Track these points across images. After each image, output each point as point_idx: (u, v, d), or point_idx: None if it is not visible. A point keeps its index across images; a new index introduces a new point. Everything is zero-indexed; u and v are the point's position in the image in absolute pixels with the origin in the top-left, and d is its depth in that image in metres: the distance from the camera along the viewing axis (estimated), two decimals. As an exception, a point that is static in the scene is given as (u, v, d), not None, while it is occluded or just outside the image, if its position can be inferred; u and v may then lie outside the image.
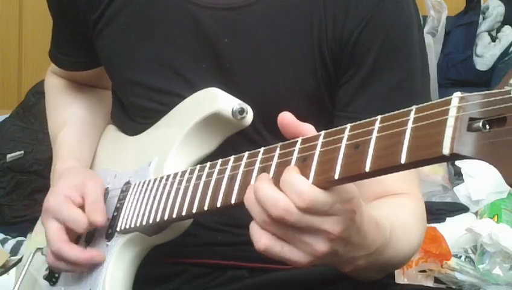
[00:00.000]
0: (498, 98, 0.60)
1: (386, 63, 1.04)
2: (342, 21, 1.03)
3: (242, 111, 0.97)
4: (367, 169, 0.69)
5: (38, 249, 1.19)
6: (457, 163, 2.43)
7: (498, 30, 2.90)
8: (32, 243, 1.26)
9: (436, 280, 2.08)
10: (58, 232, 1.04)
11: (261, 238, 0.78)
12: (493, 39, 2.87)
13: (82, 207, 1.05)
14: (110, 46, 1.14)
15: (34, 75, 2.91)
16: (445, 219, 2.30)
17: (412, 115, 0.67)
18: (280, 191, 0.76)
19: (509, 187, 2.40)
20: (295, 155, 0.78)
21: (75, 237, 1.08)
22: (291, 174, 0.77)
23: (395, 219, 0.97)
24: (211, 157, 0.96)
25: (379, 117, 0.71)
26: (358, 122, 0.73)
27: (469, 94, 0.63)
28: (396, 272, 1.42)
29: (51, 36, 1.27)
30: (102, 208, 1.03)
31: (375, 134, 0.70)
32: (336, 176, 0.72)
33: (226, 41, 1.06)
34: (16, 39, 3.06)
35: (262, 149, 0.83)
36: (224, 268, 1.11)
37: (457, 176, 2.47)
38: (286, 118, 0.81)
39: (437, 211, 2.26)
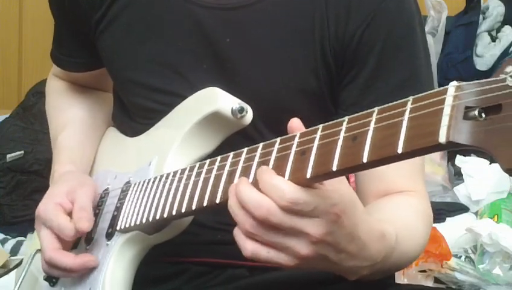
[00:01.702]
0: (493, 86, 0.60)
1: (390, 63, 1.04)
2: (345, 20, 1.03)
3: (242, 110, 0.97)
4: (364, 160, 0.70)
5: (38, 250, 1.19)
6: (457, 163, 2.43)
7: (498, 30, 2.90)
8: (33, 243, 1.26)
9: (436, 280, 2.08)
10: (49, 240, 1.04)
11: (247, 244, 0.80)
12: (493, 39, 2.87)
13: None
14: (111, 46, 1.14)
15: (34, 75, 2.91)
16: (445, 219, 2.30)
17: (409, 105, 0.67)
18: (261, 193, 0.77)
19: (509, 187, 2.40)
20: (294, 149, 0.78)
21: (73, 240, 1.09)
22: (270, 175, 0.78)
23: (400, 221, 0.97)
24: (211, 156, 0.96)
25: (376, 109, 0.71)
26: (356, 114, 0.73)
27: (465, 83, 0.63)
28: (396, 272, 1.41)
29: (50, 36, 1.27)
30: (87, 215, 1.03)
31: (372, 125, 0.70)
32: (334, 168, 0.73)
33: (227, 42, 1.06)
34: (16, 39, 3.06)
35: (261, 144, 0.84)
36: (224, 267, 1.11)
37: (457, 176, 2.48)
38: (294, 125, 0.82)
39: (437, 211, 2.25)
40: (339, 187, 0.79)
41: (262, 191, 0.77)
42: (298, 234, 0.78)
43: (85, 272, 1.04)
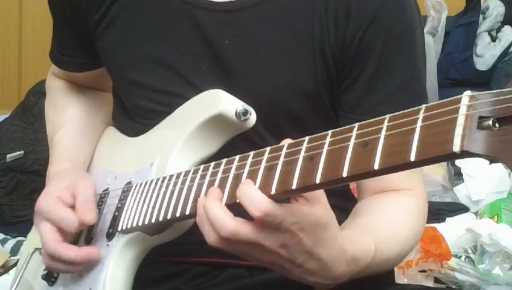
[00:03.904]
0: (508, 96, 0.60)
1: (390, 64, 1.04)
2: (344, 23, 1.03)
3: (245, 112, 0.97)
4: (376, 167, 0.69)
5: (36, 249, 1.18)
6: (457, 163, 2.43)
7: (498, 30, 2.91)
8: (30, 243, 1.26)
9: (436, 280, 2.08)
10: (51, 233, 1.04)
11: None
12: (493, 39, 2.88)
13: (73, 207, 1.05)
14: (111, 47, 1.14)
15: (34, 75, 2.91)
16: (445, 219, 2.30)
17: (422, 114, 0.67)
18: (228, 212, 0.82)
19: (509, 187, 2.39)
20: (302, 154, 0.78)
21: (73, 238, 1.09)
22: (249, 186, 0.81)
23: (387, 230, 0.99)
24: (213, 159, 0.96)
25: (388, 116, 0.71)
26: (367, 121, 0.73)
27: (479, 93, 0.63)
28: (396, 272, 1.41)
29: (50, 36, 1.27)
30: (92, 207, 1.04)
31: (384, 132, 0.70)
32: (344, 174, 0.72)
33: (226, 43, 1.06)
34: (15, 39, 3.06)
35: (268, 148, 0.83)
36: (224, 267, 1.11)
37: (457, 176, 2.48)
38: None
39: (437, 211, 2.26)
40: (309, 206, 0.82)
41: (239, 198, 0.81)
42: (256, 245, 0.82)
43: (85, 271, 1.04)
